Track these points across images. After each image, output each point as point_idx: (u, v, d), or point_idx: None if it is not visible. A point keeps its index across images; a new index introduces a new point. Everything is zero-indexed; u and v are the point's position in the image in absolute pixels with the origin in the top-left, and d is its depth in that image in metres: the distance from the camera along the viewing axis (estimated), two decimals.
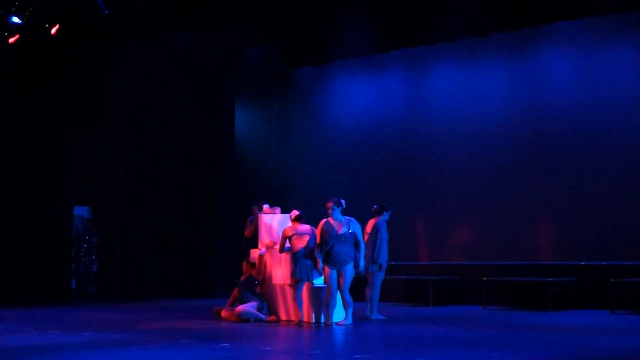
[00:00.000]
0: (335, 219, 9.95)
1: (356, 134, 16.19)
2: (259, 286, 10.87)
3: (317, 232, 10.05)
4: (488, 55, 14.52)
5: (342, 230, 9.91)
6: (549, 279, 12.31)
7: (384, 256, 10.88)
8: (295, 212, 10.52)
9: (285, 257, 10.74)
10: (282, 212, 11.40)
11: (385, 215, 11.05)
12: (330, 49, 15.41)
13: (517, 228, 13.87)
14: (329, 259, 9.92)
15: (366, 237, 10.94)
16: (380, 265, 10.85)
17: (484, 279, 12.94)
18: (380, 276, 10.92)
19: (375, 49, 15.13)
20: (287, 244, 10.39)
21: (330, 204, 9.94)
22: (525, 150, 13.93)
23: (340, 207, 10.00)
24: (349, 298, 10.09)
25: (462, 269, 13.95)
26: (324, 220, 10.02)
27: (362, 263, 10.14)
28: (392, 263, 14.42)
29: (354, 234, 9.99)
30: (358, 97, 16.33)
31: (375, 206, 11.11)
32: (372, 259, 10.78)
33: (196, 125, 17.12)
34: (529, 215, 13.81)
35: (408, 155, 15.41)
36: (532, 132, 13.89)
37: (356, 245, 10.07)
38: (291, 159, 17.25)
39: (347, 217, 10.10)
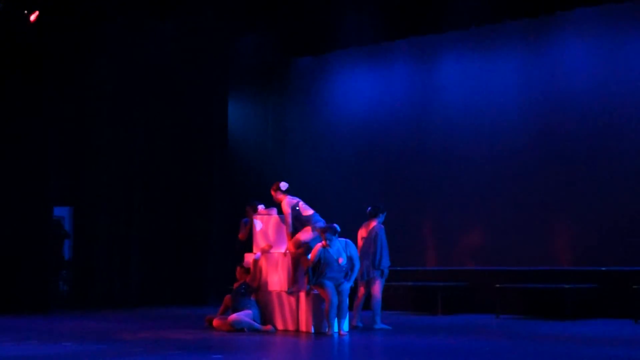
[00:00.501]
0: (333, 247, 10.07)
1: (359, 129, 16.19)
2: (253, 293, 10.85)
3: (311, 256, 10.12)
4: (501, 44, 14.50)
5: (342, 260, 10.08)
6: (567, 286, 12.30)
7: (385, 261, 10.90)
8: (285, 184, 10.65)
9: (282, 262, 10.74)
10: (279, 213, 11.33)
11: (381, 217, 11.10)
12: (331, 37, 15.40)
13: (533, 230, 13.86)
14: (325, 280, 10.02)
15: (361, 242, 11.00)
16: (382, 271, 10.88)
17: (497, 285, 12.95)
18: (381, 283, 10.96)
19: (380, 37, 15.12)
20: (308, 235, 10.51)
21: (325, 234, 10.03)
22: (542, 146, 13.91)
23: (336, 235, 10.10)
24: (346, 307, 10.21)
25: (473, 275, 13.95)
26: (319, 245, 10.11)
27: (350, 282, 10.24)
28: (398, 269, 14.40)
29: (351, 259, 10.15)
30: (361, 89, 16.31)
31: (369, 208, 11.15)
32: (373, 265, 10.80)
33: (186, 120, 17.08)
34: (545, 216, 13.79)
35: (415, 152, 15.41)
36: (549, 127, 13.86)
37: (350, 269, 10.22)
38: (289, 156, 17.25)
39: (343, 240, 10.18)
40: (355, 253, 10.20)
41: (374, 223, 11.04)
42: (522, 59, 14.27)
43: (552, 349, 8.58)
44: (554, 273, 13.12)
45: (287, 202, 10.65)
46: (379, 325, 10.90)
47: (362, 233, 11.12)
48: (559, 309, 12.32)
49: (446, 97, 15.11)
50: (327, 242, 10.07)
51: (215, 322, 10.82)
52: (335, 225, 10.17)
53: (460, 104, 14.89)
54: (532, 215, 13.90)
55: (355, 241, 10.82)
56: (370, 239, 10.92)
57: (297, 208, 10.59)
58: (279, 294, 10.82)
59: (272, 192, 10.84)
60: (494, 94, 14.51)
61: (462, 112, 14.85)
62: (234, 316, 10.55)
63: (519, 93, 14.23)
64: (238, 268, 11.15)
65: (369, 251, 10.85)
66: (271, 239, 11.07)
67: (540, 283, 12.90)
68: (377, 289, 10.93)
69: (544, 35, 14.02)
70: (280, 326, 10.75)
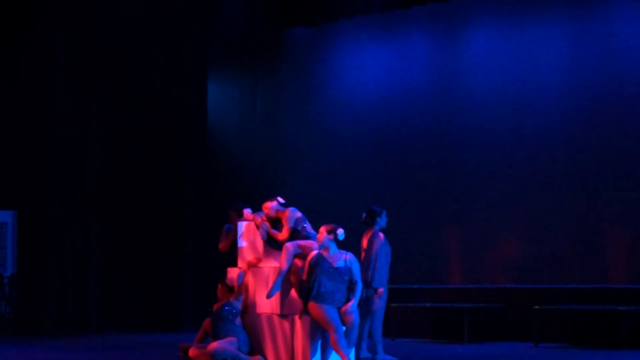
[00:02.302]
0: (325, 247, 10.01)
1: (367, 116, 16.16)
2: (238, 316, 10.85)
3: (305, 267, 10.08)
4: (542, 10, 14.45)
5: (337, 263, 9.99)
6: (620, 308, 12.30)
7: (379, 278, 10.97)
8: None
9: (272, 278, 10.74)
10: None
11: (380, 222, 11.17)
12: (334, 4, 15.41)
13: (580, 241, 13.86)
14: (319, 299, 9.96)
15: (363, 254, 11.09)
16: (377, 290, 10.95)
17: (536, 307, 12.94)
18: (379, 304, 11.04)
19: (393, 3, 15.12)
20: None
21: (329, 235, 9.95)
22: (592, 138, 13.89)
23: (333, 236, 9.99)
24: (355, 335, 10.12)
25: (507, 294, 13.96)
26: (315, 253, 10.06)
27: (353, 304, 10.12)
28: (415, 287, 14.44)
29: (350, 271, 10.02)
30: (370, 67, 16.28)
31: (363, 215, 11.25)
32: (366, 282, 10.87)
33: (155, 105, 17.06)
34: (595, 224, 13.79)
35: (436, 143, 15.40)
36: (602, 115, 13.83)
37: (351, 286, 10.04)
38: (281, 148, 17.23)
39: (345, 252, 10.14)
40: (357, 269, 10.13)
41: (371, 231, 11.19)
42: (569, 28, 14.24)
43: None
44: (605, 292, 13.12)
45: (291, 214, 10.62)
46: (381, 356, 10.97)
47: (363, 244, 11.25)
48: (611, 336, 12.31)
49: (474, 77, 15.10)
50: (328, 246, 9.99)
51: (192, 352, 10.74)
52: (339, 228, 10.04)
53: (491, 85, 14.88)
54: (579, 222, 13.91)
55: (358, 254, 10.80)
56: (368, 250, 11.08)
57: (304, 226, 10.59)
58: (269, 318, 10.75)
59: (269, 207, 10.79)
60: (533, 73, 14.48)
61: (493, 95, 14.83)
62: (214, 344, 10.50)
63: (565, 72, 14.19)
64: (219, 286, 11.06)
65: (365, 266, 10.96)
66: (260, 250, 11.00)
67: (589, 304, 12.89)
68: (376, 312, 11.02)
69: (593, 2, 14.04)
70: (271, 357, 10.66)
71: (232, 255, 11.47)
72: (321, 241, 10.00)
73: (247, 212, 11.40)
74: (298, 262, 10.39)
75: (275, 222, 10.83)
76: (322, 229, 9.99)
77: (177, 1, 16.35)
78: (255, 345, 10.79)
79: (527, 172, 14.47)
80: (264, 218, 10.96)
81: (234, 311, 10.82)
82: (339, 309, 9.96)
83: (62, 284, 16.05)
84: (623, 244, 13.62)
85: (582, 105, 14.05)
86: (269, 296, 10.39)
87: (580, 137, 14.03)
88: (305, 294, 9.97)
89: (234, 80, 17.95)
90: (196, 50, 17.14)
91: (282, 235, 10.60)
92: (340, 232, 9.99)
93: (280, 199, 10.83)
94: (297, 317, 10.38)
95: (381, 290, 11.03)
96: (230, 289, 11.01)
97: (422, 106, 15.59)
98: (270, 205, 10.80)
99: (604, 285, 13.35)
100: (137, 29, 16.60)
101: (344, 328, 9.92)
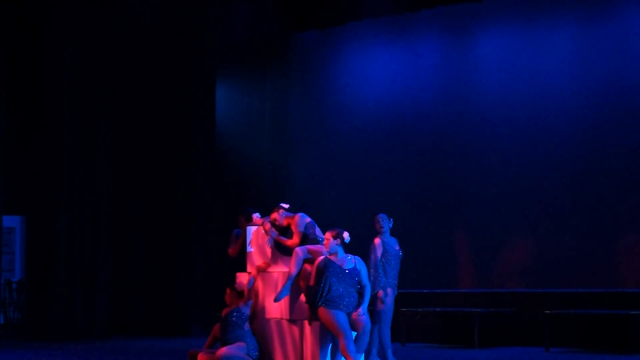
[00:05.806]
0: (332, 252, 10.01)
1: (376, 120, 16.20)
2: (247, 321, 10.84)
3: (313, 271, 10.08)
4: (552, 13, 14.51)
5: (346, 265, 9.98)
6: (633, 312, 12.28)
7: (380, 282, 10.96)
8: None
9: (281, 283, 10.72)
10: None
11: (386, 227, 11.20)
12: (341, 7, 15.42)
13: (591, 245, 13.87)
14: (329, 303, 9.92)
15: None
16: (377, 293, 10.94)
17: (547, 311, 12.94)
18: (384, 307, 11.03)
19: (402, 6, 15.15)
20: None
21: (335, 239, 9.94)
22: (604, 141, 13.91)
23: (339, 240, 9.97)
24: (365, 340, 10.10)
25: (518, 299, 13.97)
26: (322, 257, 10.05)
27: (363, 307, 10.10)
28: (425, 291, 14.46)
29: (359, 274, 10.02)
30: (379, 71, 16.33)
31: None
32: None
33: (165, 109, 17.10)
34: (607, 227, 13.81)
35: (445, 147, 15.42)
36: (613, 116, 13.86)
37: (360, 290, 10.04)
38: (290, 153, 17.27)
39: (352, 256, 10.13)
40: (365, 272, 10.11)
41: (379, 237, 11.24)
42: (579, 32, 14.31)
43: None
44: (617, 296, 13.13)
45: (301, 220, 10.62)
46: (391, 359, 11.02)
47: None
48: (624, 340, 12.30)
49: (483, 80, 15.13)
50: (335, 251, 9.96)
51: (201, 357, 10.74)
52: (344, 232, 10.01)
53: (501, 88, 14.91)
54: (591, 226, 13.93)
55: (366, 259, 10.79)
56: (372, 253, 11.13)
57: (314, 231, 10.57)
58: (278, 323, 10.77)
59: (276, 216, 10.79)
60: (542, 76, 14.51)
61: (504, 98, 14.86)
62: (223, 350, 10.50)
63: (575, 75, 14.26)
64: (228, 290, 11.08)
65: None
66: (269, 254, 10.98)
67: (601, 309, 12.90)
68: (383, 316, 11.02)
69: (606, 2, 14.04)
70: None
71: (241, 260, 11.47)
72: (328, 247, 9.97)
73: (256, 216, 11.41)
74: (307, 266, 10.39)
75: (285, 230, 10.81)
76: (328, 235, 9.96)
77: (185, 6, 16.35)
78: (264, 351, 10.80)
79: (539, 176, 14.50)
80: (267, 226, 10.92)
81: (243, 316, 10.83)
82: (349, 314, 9.93)
83: (70, 289, 16.08)
84: (635, 248, 13.61)
85: (594, 107, 14.09)
86: (276, 299, 10.40)
87: (592, 140, 14.07)
88: (313, 299, 9.95)
89: (242, 84, 18.01)
90: (205, 54, 17.18)
91: (293, 241, 10.59)
92: (346, 235, 9.96)
93: (284, 205, 10.82)
94: (306, 322, 10.37)
95: (380, 293, 10.98)
96: (239, 294, 11.03)
97: (431, 109, 15.65)
98: (278, 215, 10.78)
99: (615, 290, 13.39)
100: (146, 33, 16.65)
101: (355, 333, 9.90)
